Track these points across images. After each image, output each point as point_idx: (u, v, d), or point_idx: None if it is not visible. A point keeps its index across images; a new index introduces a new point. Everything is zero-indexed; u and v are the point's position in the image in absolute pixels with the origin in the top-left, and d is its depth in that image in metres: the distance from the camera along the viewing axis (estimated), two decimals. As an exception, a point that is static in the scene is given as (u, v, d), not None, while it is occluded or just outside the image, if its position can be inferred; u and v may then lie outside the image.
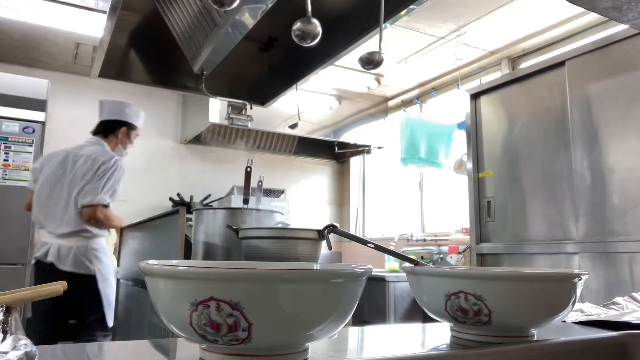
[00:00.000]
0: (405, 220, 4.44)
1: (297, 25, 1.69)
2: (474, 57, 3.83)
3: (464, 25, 3.34)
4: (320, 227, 1.42)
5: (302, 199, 4.90)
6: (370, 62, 1.78)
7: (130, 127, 2.80)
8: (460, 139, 3.66)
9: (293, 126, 3.33)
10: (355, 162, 5.17)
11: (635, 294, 0.97)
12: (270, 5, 1.79)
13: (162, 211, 2.14)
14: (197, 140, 4.44)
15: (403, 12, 1.94)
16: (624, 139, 2.06)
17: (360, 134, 4.59)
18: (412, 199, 4.44)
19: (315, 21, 1.67)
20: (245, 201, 1.80)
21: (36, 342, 0.45)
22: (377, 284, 3.17)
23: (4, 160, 3.21)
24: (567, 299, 0.64)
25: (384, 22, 1.90)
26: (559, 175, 2.32)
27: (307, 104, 4.20)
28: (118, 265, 2.85)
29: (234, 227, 1.59)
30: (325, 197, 5.12)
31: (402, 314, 3.22)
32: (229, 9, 1.50)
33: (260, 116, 3.33)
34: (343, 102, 4.49)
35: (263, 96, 2.95)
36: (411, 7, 1.89)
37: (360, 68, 1.90)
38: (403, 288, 3.17)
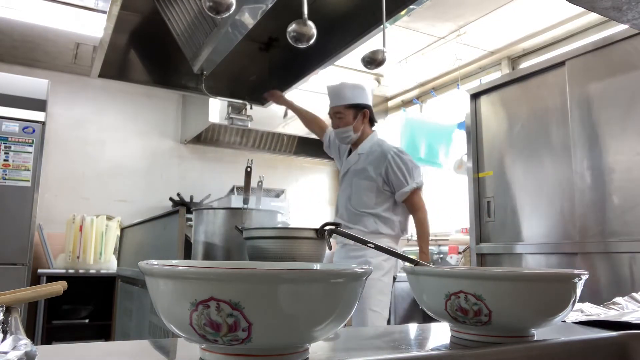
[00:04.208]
0: (405, 220, 4.43)
1: (292, 26, 1.68)
2: (474, 57, 3.82)
3: (464, 25, 3.34)
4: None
5: (302, 199, 4.89)
6: (373, 61, 1.77)
7: None
8: (460, 139, 3.66)
9: (285, 114, 3.37)
10: (355, 162, 5.16)
11: (635, 294, 0.97)
12: (270, 5, 1.79)
13: (162, 211, 2.14)
14: (197, 140, 4.44)
15: (403, 12, 1.94)
16: (624, 139, 2.06)
17: (360, 134, 4.57)
18: (412, 199, 4.43)
19: (310, 23, 1.67)
20: (245, 201, 1.80)
21: None
22: (377, 284, 3.16)
23: (4, 160, 3.20)
24: (567, 299, 0.64)
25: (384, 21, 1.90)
26: (559, 175, 2.32)
27: (307, 104, 4.18)
28: (118, 265, 2.85)
29: (239, 227, 1.59)
30: (325, 197, 5.11)
31: (402, 314, 3.22)
32: (224, 16, 1.49)
33: (260, 116, 3.33)
34: (343, 102, 4.48)
35: (263, 96, 2.95)
36: (411, 7, 1.89)
37: (361, 68, 1.90)
38: (403, 288, 3.16)
